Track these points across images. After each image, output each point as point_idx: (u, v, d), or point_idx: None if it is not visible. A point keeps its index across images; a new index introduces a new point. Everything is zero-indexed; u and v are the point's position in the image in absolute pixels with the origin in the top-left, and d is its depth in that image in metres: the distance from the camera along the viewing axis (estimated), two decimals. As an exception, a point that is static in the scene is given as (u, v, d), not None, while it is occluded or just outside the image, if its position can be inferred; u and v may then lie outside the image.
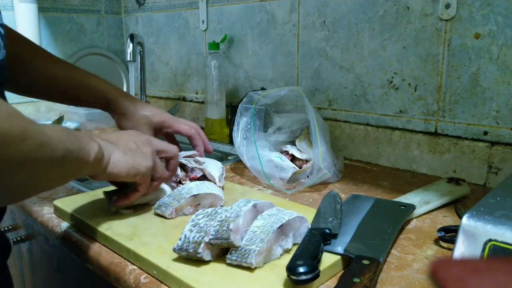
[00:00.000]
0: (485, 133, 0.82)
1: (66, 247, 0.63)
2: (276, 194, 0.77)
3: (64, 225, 0.65)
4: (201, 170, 0.74)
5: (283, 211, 0.53)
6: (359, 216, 0.61)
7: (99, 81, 0.75)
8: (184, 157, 0.76)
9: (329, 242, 0.53)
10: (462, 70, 0.83)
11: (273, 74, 1.18)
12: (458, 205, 0.70)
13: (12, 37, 0.68)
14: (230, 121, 1.17)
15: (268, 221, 0.50)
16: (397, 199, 0.70)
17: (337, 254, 0.51)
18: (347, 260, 0.51)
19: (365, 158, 1.00)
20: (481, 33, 0.80)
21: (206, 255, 0.49)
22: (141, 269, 0.52)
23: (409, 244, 0.58)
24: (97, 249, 0.58)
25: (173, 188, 0.70)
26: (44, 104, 1.55)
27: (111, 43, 1.73)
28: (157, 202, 0.63)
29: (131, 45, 1.14)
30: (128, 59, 1.14)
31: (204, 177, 0.75)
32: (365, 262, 0.48)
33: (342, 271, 0.51)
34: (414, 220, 0.66)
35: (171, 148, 0.66)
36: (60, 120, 1.33)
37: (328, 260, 0.50)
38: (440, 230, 0.58)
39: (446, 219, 0.66)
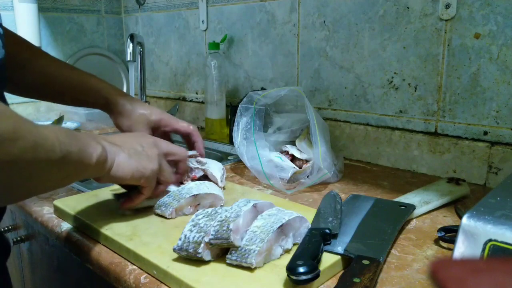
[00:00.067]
0: (485, 133, 0.82)
1: (66, 247, 0.63)
2: (276, 194, 0.77)
3: (64, 225, 0.65)
4: (203, 170, 0.74)
5: (283, 211, 0.53)
6: (359, 216, 0.61)
7: (98, 81, 0.75)
8: None
9: (329, 242, 0.53)
10: (462, 70, 0.83)
11: (273, 74, 1.18)
12: (458, 205, 0.70)
13: (10, 38, 0.68)
14: (230, 121, 1.16)
15: (268, 221, 0.50)
16: (397, 199, 0.70)
17: (337, 254, 0.51)
18: (347, 260, 0.51)
19: (365, 158, 1.00)
20: (481, 33, 0.80)
21: (206, 255, 0.49)
22: (141, 269, 0.52)
23: (409, 244, 0.58)
24: (97, 249, 0.58)
25: None
26: (44, 104, 1.55)
27: (111, 43, 1.73)
28: (157, 202, 0.63)
29: (131, 45, 1.14)
30: (128, 59, 1.14)
31: (204, 177, 0.75)
32: (365, 262, 0.48)
33: (342, 271, 0.51)
34: (414, 220, 0.66)
35: (179, 150, 0.65)
36: (60, 120, 1.33)
37: (328, 260, 0.50)
38: (440, 230, 0.58)
39: (446, 219, 0.66)
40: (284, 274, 0.45)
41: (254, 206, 0.53)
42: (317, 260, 0.47)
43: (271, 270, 0.48)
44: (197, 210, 0.57)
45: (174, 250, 0.49)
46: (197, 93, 1.46)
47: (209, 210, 0.53)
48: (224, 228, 0.48)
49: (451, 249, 0.45)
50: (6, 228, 0.91)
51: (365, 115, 0.99)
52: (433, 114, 0.88)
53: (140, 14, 1.64)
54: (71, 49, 1.62)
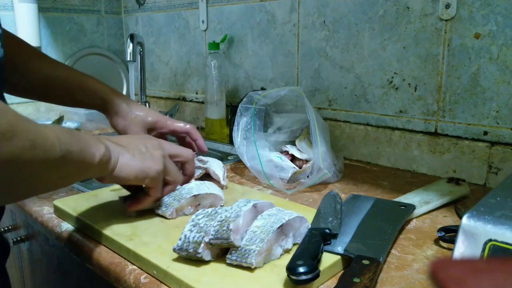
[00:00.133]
0: (485, 133, 0.82)
1: (66, 247, 0.63)
2: (276, 194, 0.77)
3: (64, 225, 0.65)
4: (205, 169, 0.74)
5: (283, 211, 0.53)
6: (359, 216, 0.61)
7: (94, 82, 0.75)
8: None
9: (329, 242, 0.53)
10: (462, 70, 0.83)
11: (273, 74, 1.18)
12: (458, 205, 0.70)
13: (9, 39, 0.68)
14: (230, 121, 1.17)
15: (268, 221, 0.50)
16: (397, 199, 0.70)
17: (337, 254, 0.51)
18: (347, 260, 0.51)
19: (365, 158, 1.00)
20: (481, 33, 0.80)
21: (206, 255, 0.49)
22: (141, 269, 0.52)
23: (409, 244, 0.58)
24: (97, 249, 0.58)
25: None
26: (44, 104, 1.55)
27: (111, 43, 1.73)
28: (157, 202, 0.63)
29: (131, 45, 1.14)
30: (128, 59, 1.14)
31: (206, 176, 0.75)
32: (365, 262, 0.48)
33: (342, 271, 0.51)
34: (414, 220, 0.66)
35: (184, 152, 0.65)
36: (60, 120, 1.33)
37: (328, 260, 0.50)
38: (440, 230, 0.58)
39: (446, 219, 0.66)
40: (284, 274, 0.45)
41: (254, 206, 0.53)
42: (317, 260, 0.47)
43: (271, 270, 0.48)
44: (198, 210, 0.57)
45: (174, 250, 0.49)
46: (197, 93, 1.46)
47: (209, 210, 0.53)
48: (224, 228, 0.48)
49: (451, 249, 0.45)
50: (6, 228, 0.92)
51: (365, 115, 0.99)
52: (433, 114, 0.88)
53: (140, 14, 1.64)
54: (71, 49, 1.62)
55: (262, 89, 1.20)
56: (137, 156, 0.56)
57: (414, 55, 0.89)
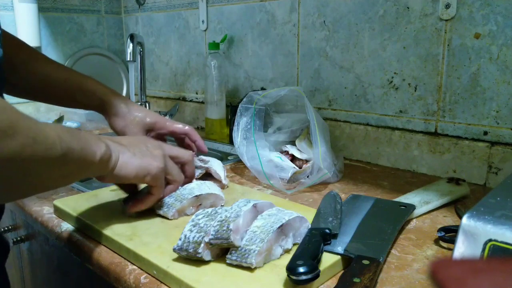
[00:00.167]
0: (485, 133, 0.82)
1: (66, 247, 0.63)
2: (276, 194, 0.77)
3: (64, 225, 0.65)
4: (207, 169, 0.74)
5: (283, 211, 0.53)
6: (359, 216, 0.61)
7: (93, 83, 0.75)
8: None
9: (329, 242, 0.53)
10: (462, 70, 0.83)
11: (273, 74, 1.18)
12: (458, 205, 0.70)
13: (8, 40, 0.68)
14: (230, 121, 1.16)
15: (268, 221, 0.50)
16: (397, 199, 0.70)
17: (337, 254, 0.51)
18: (347, 260, 0.51)
19: (365, 158, 1.00)
20: (481, 33, 0.80)
21: (206, 255, 0.49)
22: (141, 269, 0.52)
23: (409, 244, 0.58)
24: (97, 249, 0.58)
25: None
26: (44, 104, 1.55)
27: (111, 43, 1.73)
28: (159, 203, 0.63)
29: (131, 45, 1.14)
30: (128, 59, 1.14)
31: (207, 175, 0.75)
32: (365, 262, 0.48)
33: (342, 271, 0.51)
34: (414, 220, 0.66)
35: (184, 153, 0.65)
36: (60, 120, 1.33)
37: (328, 260, 0.50)
38: (440, 230, 0.58)
39: (446, 219, 0.66)
40: (284, 274, 0.45)
41: (254, 206, 0.53)
42: (317, 260, 0.47)
43: (271, 270, 0.48)
44: (199, 210, 0.57)
45: (174, 250, 0.49)
46: (197, 93, 1.46)
47: (209, 210, 0.53)
48: (224, 228, 0.48)
49: (451, 249, 0.45)
50: (6, 228, 0.91)
51: (365, 115, 0.99)
52: (433, 114, 0.88)
53: (140, 14, 1.64)
54: (71, 49, 1.62)
55: (262, 89, 1.20)
56: (137, 155, 0.56)
57: (414, 55, 0.89)
